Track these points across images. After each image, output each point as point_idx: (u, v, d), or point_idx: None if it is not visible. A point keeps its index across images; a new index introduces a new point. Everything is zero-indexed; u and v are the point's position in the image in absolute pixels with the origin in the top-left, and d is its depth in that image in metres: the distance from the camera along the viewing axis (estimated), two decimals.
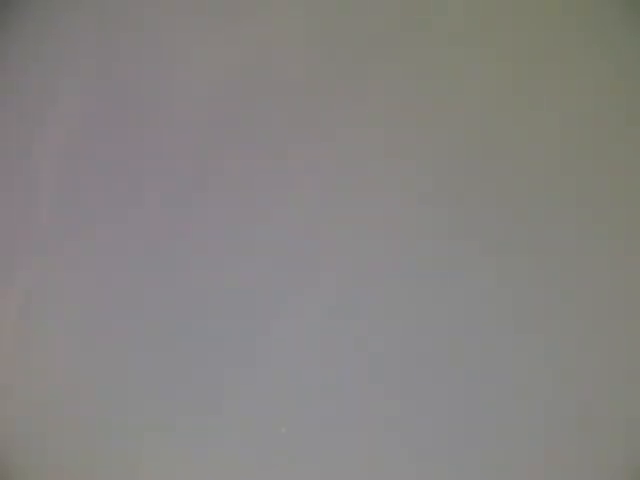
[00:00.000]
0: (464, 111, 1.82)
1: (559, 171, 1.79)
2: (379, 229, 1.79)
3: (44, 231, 1.82)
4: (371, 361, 1.75)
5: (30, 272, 1.81)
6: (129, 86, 1.86)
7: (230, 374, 1.76)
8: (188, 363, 1.76)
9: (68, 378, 1.77)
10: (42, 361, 1.78)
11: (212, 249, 1.81)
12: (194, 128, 1.84)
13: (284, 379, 1.75)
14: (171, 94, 1.85)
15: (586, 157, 1.79)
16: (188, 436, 1.73)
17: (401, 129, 1.82)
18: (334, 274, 1.78)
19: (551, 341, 1.73)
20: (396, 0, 1.85)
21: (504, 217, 1.78)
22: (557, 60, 1.82)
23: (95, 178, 1.84)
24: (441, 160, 1.81)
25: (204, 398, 1.75)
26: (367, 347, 1.75)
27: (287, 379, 1.75)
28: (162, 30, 1.87)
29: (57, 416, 1.75)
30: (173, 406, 1.75)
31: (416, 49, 1.84)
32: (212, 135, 1.84)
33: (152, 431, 1.74)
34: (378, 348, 1.75)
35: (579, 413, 1.70)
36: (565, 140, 1.80)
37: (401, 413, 1.73)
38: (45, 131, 1.84)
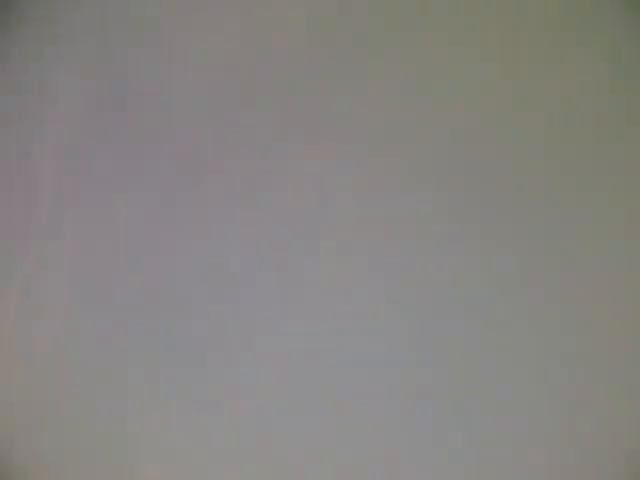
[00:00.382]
0: (464, 111, 1.82)
1: (559, 169, 1.79)
2: (379, 219, 1.80)
3: (45, 218, 1.82)
4: (370, 345, 1.75)
5: (30, 261, 1.81)
6: (128, 86, 1.86)
7: (230, 365, 1.76)
8: (189, 353, 1.76)
9: (68, 365, 1.77)
10: (43, 347, 1.78)
11: (211, 238, 1.81)
12: (193, 127, 1.84)
13: (284, 367, 1.76)
14: (171, 92, 1.85)
15: (586, 157, 1.79)
16: (190, 440, 1.73)
17: (400, 123, 1.82)
18: (333, 260, 1.79)
19: (550, 343, 1.73)
20: (396, 0, 1.86)
21: (504, 202, 1.78)
22: (557, 60, 1.82)
23: (96, 163, 1.84)
24: (441, 153, 1.81)
25: (205, 391, 1.75)
26: (367, 331, 1.75)
27: (287, 365, 1.76)
28: (162, 29, 1.87)
29: (57, 415, 1.76)
30: (174, 405, 1.75)
31: (416, 49, 1.84)
32: (211, 133, 1.84)
33: (152, 430, 1.74)
34: (378, 333, 1.75)
35: (579, 413, 1.70)
36: (564, 140, 1.80)
37: (401, 393, 1.73)
38: (45, 127, 1.84)
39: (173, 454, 1.73)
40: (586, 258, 1.75)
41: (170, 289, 1.79)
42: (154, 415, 1.75)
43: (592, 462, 1.68)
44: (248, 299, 1.78)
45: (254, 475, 1.72)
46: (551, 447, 1.69)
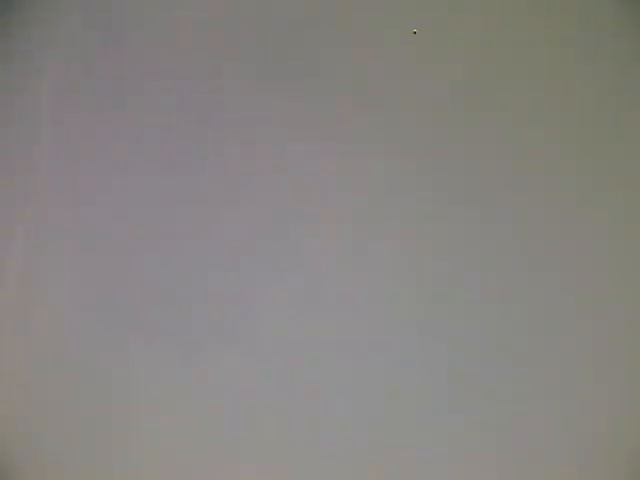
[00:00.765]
0: (463, 112, 1.83)
1: (559, 169, 1.80)
2: (382, 217, 1.82)
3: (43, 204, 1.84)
4: (371, 322, 1.77)
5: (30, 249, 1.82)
6: (126, 85, 1.88)
7: (230, 348, 1.78)
8: (189, 339, 1.78)
9: (68, 362, 1.78)
10: (41, 342, 1.79)
11: (211, 216, 1.83)
12: (194, 112, 1.86)
13: (286, 346, 1.77)
14: (170, 85, 1.87)
15: (586, 157, 1.79)
16: (192, 437, 1.74)
17: (399, 122, 1.84)
18: (334, 212, 1.81)
19: (549, 341, 1.74)
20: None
21: (504, 203, 1.80)
22: (557, 60, 1.83)
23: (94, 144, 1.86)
24: (443, 156, 1.82)
25: (205, 375, 1.76)
26: (369, 288, 1.78)
27: (288, 343, 1.77)
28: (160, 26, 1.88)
29: (57, 414, 1.76)
30: (175, 402, 1.75)
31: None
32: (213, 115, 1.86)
33: (153, 430, 1.74)
34: (380, 288, 1.78)
35: (579, 413, 1.70)
36: (564, 140, 1.81)
37: (406, 338, 1.76)
38: (42, 126, 1.86)
39: (174, 454, 1.74)
40: (586, 258, 1.76)
41: (170, 279, 1.81)
42: (154, 413, 1.75)
43: (593, 462, 1.68)
44: (248, 275, 1.80)
45: (259, 441, 1.74)
46: (550, 448, 1.70)
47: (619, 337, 1.71)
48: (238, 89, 1.86)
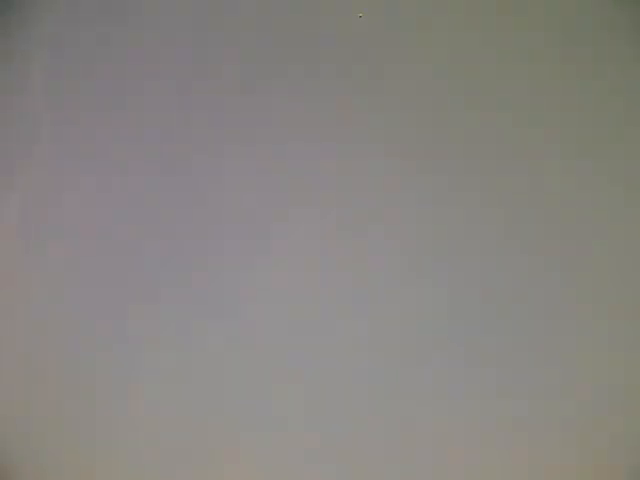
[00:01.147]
0: (464, 112, 1.83)
1: (559, 169, 1.80)
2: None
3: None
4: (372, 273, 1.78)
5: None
6: (126, 86, 1.88)
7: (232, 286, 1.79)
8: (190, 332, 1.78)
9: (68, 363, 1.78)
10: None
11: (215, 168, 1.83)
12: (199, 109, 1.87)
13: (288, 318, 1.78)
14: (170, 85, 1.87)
15: (586, 157, 1.79)
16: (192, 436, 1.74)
17: (397, 122, 1.84)
18: (334, 212, 1.82)
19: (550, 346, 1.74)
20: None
21: (504, 204, 1.80)
22: (557, 61, 1.83)
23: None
24: (442, 156, 1.82)
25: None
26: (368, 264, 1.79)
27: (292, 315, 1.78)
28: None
29: (57, 414, 1.76)
30: (176, 402, 1.75)
31: None
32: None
33: (153, 430, 1.74)
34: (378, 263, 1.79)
35: (579, 413, 1.69)
36: (564, 140, 1.81)
37: (405, 337, 1.76)
38: (43, 126, 1.86)
39: (174, 455, 1.73)
40: (586, 258, 1.76)
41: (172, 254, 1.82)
42: (155, 413, 1.75)
43: (592, 462, 1.68)
44: (248, 274, 1.80)
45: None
46: (552, 449, 1.70)
47: (619, 337, 1.71)
48: (238, 89, 1.86)
